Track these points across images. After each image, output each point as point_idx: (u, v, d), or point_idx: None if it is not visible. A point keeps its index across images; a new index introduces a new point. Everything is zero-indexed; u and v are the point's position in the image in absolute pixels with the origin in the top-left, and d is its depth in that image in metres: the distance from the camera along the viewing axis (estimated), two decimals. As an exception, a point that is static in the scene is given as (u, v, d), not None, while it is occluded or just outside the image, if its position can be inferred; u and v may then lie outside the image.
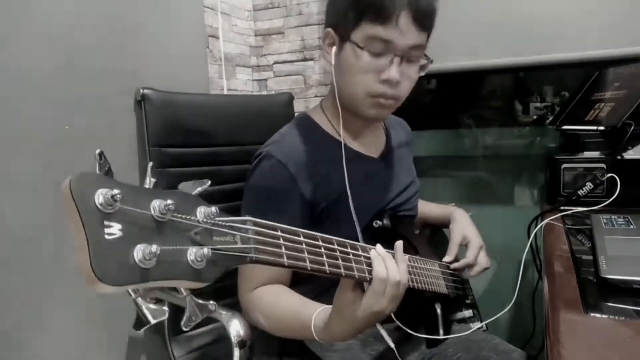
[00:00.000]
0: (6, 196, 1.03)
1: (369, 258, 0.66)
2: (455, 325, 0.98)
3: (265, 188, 0.85)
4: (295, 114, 1.26)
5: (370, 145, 0.97)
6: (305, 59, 1.84)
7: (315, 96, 1.83)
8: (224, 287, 1.00)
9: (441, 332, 0.89)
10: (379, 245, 0.67)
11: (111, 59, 1.23)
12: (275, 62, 1.89)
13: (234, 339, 0.86)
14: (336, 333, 0.69)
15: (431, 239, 1.15)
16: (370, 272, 0.65)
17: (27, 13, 1.06)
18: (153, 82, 1.05)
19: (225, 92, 1.71)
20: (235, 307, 0.91)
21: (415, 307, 0.93)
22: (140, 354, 1.27)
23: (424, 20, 0.82)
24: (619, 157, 1.14)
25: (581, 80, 1.40)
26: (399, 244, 0.70)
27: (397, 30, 0.79)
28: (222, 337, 0.90)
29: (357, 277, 0.63)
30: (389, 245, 0.78)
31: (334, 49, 0.86)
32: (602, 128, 1.17)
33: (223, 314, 0.90)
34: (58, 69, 1.12)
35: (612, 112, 1.18)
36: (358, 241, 0.72)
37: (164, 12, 1.40)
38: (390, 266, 0.66)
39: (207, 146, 1.14)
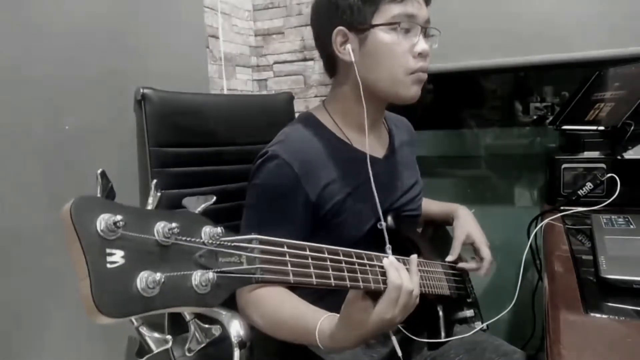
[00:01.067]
0: (6, 196, 1.03)
1: (374, 266, 0.65)
2: (457, 326, 0.98)
3: (270, 188, 0.84)
4: (297, 114, 1.26)
5: (374, 145, 0.97)
6: (305, 59, 1.84)
7: (315, 96, 1.83)
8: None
9: (443, 334, 0.89)
10: (391, 256, 0.68)
11: (111, 59, 1.23)
12: (275, 62, 1.89)
13: (234, 339, 0.86)
14: (343, 341, 0.68)
15: (434, 237, 1.14)
16: (380, 282, 0.65)
17: (27, 13, 1.06)
18: (153, 82, 1.05)
19: (225, 92, 1.71)
20: (236, 307, 0.90)
21: (417, 309, 0.93)
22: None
23: None
24: (619, 157, 1.13)
25: (581, 80, 1.40)
26: (414, 257, 0.72)
27: (417, 4, 0.85)
28: (222, 337, 0.89)
29: (362, 287, 0.62)
30: (392, 246, 0.78)
31: (349, 46, 0.86)
32: (602, 128, 1.17)
33: (223, 314, 0.90)
34: (58, 69, 1.12)
35: (612, 112, 1.18)
36: (368, 241, 0.72)
37: (164, 12, 1.40)
38: (404, 275, 0.66)
39: (207, 146, 1.14)
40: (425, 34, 0.87)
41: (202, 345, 0.46)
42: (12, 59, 1.04)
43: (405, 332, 0.86)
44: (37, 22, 1.08)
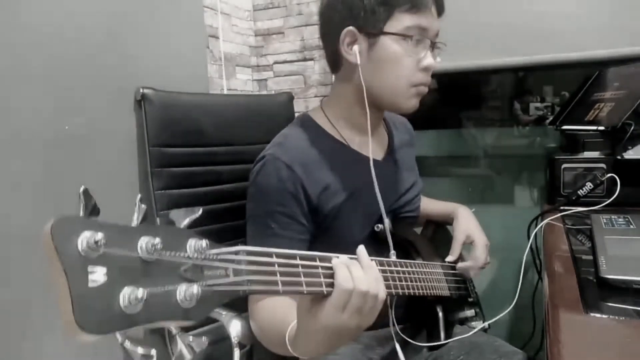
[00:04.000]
0: (6, 196, 1.03)
1: (326, 268, 0.58)
2: (457, 326, 0.98)
3: (271, 192, 0.82)
4: (296, 115, 1.26)
5: (373, 147, 0.96)
6: (305, 59, 1.84)
7: (315, 96, 1.83)
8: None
9: (442, 335, 0.88)
10: (342, 255, 0.59)
11: (111, 59, 1.23)
12: (275, 62, 1.89)
13: (233, 339, 0.86)
14: (302, 348, 0.63)
15: (434, 237, 1.14)
16: (322, 285, 0.57)
17: (27, 13, 1.06)
18: (153, 82, 1.05)
19: (225, 92, 1.71)
20: (235, 307, 0.91)
21: (416, 310, 0.93)
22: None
23: (443, 6, 0.87)
24: (619, 157, 1.13)
25: (581, 80, 1.40)
26: (361, 248, 0.61)
27: (431, 17, 0.84)
28: (222, 337, 0.89)
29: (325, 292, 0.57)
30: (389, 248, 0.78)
31: (357, 47, 0.84)
32: (602, 128, 1.17)
33: (223, 315, 0.90)
34: (58, 69, 1.12)
35: (612, 112, 1.18)
36: (369, 243, 0.70)
37: (164, 12, 1.40)
38: (356, 275, 0.57)
39: (207, 146, 1.14)
40: (433, 47, 0.87)
41: (189, 358, 0.46)
42: (11, 58, 1.04)
43: (403, 336, 0.86)
44: (37, 22, 1.08)
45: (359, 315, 0.57)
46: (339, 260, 0.57)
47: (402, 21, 0.82)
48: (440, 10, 0.86)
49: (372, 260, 0.61)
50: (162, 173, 1.05)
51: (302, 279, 0.52)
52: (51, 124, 1.10)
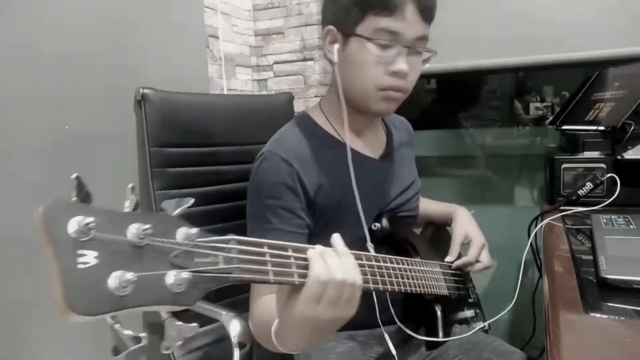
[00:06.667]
0: (6, 196, 1.03)
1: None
2: (456, 326, 0.98)
3: (269, 186, 0.83)
4: (295, 114, 1.26)
5: (371, 146, 0.97)
6: (305, 59, 1.84)
7: (315, 96, 1.83)
8: (224, 287, 1.00)
9: (441, 334, 0.88)
10: (318, 245, 0.58)
11: (111, 59, 1.23)
12: (275, 62, 1.89)
13: (233, 339, 0.86)
14: (285, 341, 0.63)
15: (433, 238, 1.14)
16: (294, 275, 0.55)
17: (27, 13, 1.06)
18: (153, 82, 1.05)
19: (225, 92, 1.71)
20: (236, 307, 0.91)
21: (415, 309, 0.93)
22: (139, 354, 1.27)
23: (428, 11, 0.83)
24: (619, 157, 1.13)
25: (581, 80, 1.40)
26: (336, 236, 0.61)
27: (404, 22, 0.81)
28: (222, 337, 0.90)
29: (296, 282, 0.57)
30: (388, 247, 0.78)
31: (337, 46, 0.85)
32: (602, 128, 1.17)
33: (223, 314, 0.90)
34: (58, 69, 1.12)
35: (612, 112, 1.18)
36: (365, 242, 0.70)
37: (164, 12, 1.40)
38: (332, 265, 0.56)
39: (207, 146, 1.14)
40: (414, 52, 0.84)
41: (178, 344, 0.46)
42: (12, 59, 1.04)
43: (403, 328, 0.86)
44: (37, 22, 1.08)
45: (335, 306, 0.56)
46: (315, 251, 0.57)
47: (372, 24, 0.81)
48: (425, 15, 0.82)
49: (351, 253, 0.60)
50: (162, 173, 1.05)
51: (294, 270, 0.53)
52: (51, 124, 1.10)
